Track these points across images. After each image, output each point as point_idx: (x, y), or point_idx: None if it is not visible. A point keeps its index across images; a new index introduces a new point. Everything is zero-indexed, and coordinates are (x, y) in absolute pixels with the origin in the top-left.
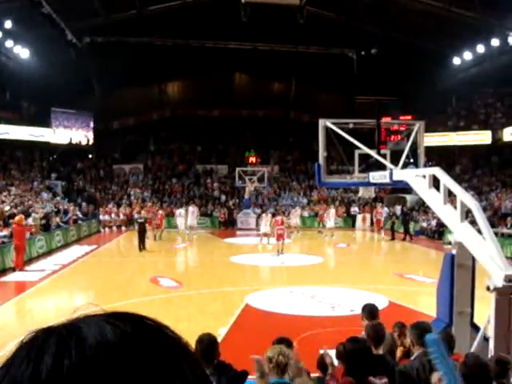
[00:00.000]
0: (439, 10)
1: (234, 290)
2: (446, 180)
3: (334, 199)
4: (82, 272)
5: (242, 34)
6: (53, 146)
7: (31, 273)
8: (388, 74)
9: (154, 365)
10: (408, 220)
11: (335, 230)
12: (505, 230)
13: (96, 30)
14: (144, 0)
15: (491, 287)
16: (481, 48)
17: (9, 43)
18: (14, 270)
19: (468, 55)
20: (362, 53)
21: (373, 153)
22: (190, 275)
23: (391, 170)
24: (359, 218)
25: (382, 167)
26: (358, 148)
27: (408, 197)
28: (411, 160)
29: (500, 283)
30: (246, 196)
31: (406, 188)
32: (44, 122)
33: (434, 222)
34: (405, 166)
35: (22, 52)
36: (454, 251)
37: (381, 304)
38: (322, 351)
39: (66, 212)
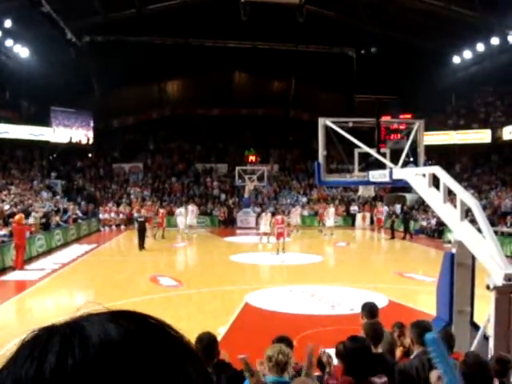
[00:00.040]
0: (439, 9)
1: (234, 288)
2: (445, 179)
3: (334, 198)
4: (81, 271)
5: (242, 32)
6: (52, 145)
7: (31, 272)
8: (388, 72)
9: (157, 363)
10: (408, 219)
11: (335, 229)
12: (505, 229)
13: (96, 29)
14: None
15: (491, 286)
16: (481, 47)
17: (8, 42)
18: (13, 269)
19: (468, 54)
20: (362, 52)
21: (372, 152)
22: (190, 274)
23: (391, 168)
24: (359, 216)
25: (382, 166)
26: (358, 147)
27: (408, 196)
28: (411, 159)
29: (500, 282)
30: (246, 195)
31: (405, 187)
32: (44, 121)
33: (433, 221)
34: (404, 164)
35: (22, 51)
36: (453, 250)
37: (380, 303)
38: (321, 350)
39: (65, 211)
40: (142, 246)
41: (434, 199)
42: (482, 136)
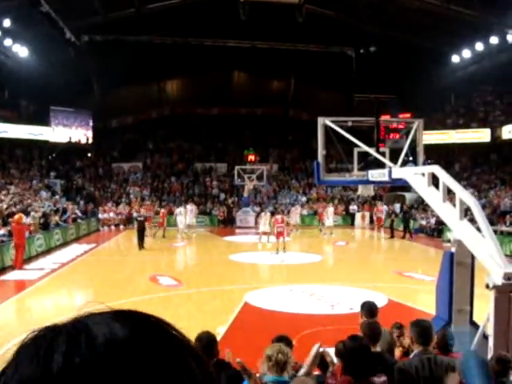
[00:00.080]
0: (438, 8)
1: (234, 288)
2: (445, 178)
3: (333, 197)
4: (81, 271)
5: (241, 32)
6: (52, 145)
7: (30, 271)
8: (387, 72)
9: (163, 362)
10: (408, 218)
11: (334, 228)
12: (504, 228)
13: (95, 29)
14: None
15: (490, 285)
16: (480, 46)
17: (7, 42)
18: (13, 268)
19: (467, 53)
20: (361, 51)
21: (372, 151)
22: (190, 274)
23: (390, 168)
24: (358, 216)
25: (381, 165)
26: (357, 146)
27: (407, 195)
28: (410, 158)
29: (499, 281)
30: (245, 194)
31: (405, 186)
32: (43, 120)
33: (433, 220)
34: (404, 164)
35: (21, 50)
36: (453, 249)
37: (380, 302)
38: (321, 349)
39: (65, 211)
40: (141, 245)
41: (434, 198)
42: (481, 135)
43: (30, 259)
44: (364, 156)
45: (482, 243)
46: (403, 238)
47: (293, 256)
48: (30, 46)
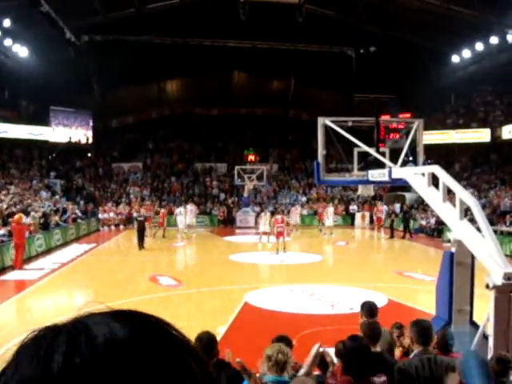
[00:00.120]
0: (438, 8)
1: (234, 288)
2: (445, 178)
3: (333, 197)
4: (81, 271)
5: (241, 32)
6: (52, 145)
7: (30, 271)
8: (387, 72)
9: (163, 363)
10: (408, 218)
11: (334, 228)
12: (504, 228)
13: (95, 29)
14: None
15: (490, 285)
16: (480, 46)
17: (7, 42)
18: (13, 268)
19: (467, 53)
20: (361, 51)
21: (372, 151)
22: (190, 274)
23: (390, 168)
24: (358, 216)
25: (381, 165)
26: (357, 146)
27: (407, 195)
28: (410, 158)
29: (499, 281)
30: (245, 194)
31: (405, 186)
32: (43, 120)
33: (433, 220)
34: (404, 164)
35: (21, 50)
36: (453, 249)
37: (380, 302)
38: (321, 349)
39: (65, 211)
40: (141, 245)
41: (434, 198)
42: (481, 135)
43: (29, 259)
44: (364, 156)
45: (481, 243)
46: (403, 237)
47: (293, 256)
48: (29, 45)
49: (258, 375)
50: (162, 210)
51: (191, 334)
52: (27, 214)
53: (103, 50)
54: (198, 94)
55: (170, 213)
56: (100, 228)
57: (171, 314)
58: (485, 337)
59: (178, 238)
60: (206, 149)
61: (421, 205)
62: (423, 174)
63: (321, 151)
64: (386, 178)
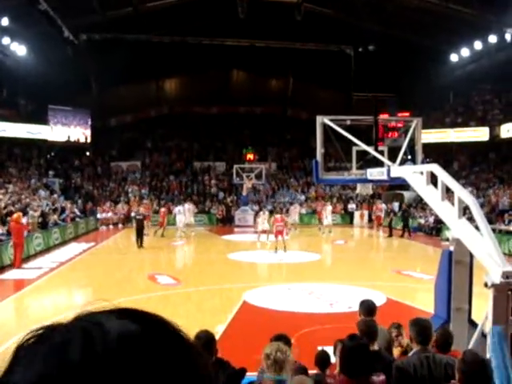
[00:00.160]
0: (437, 7)
1: (232, 287)
2: (443, 176)
3: (332, 196)
4: (79, 269)
5: (240, 30)
6: (50, 144)
7: (29, 270)
8: (386, 70)
9: (173, 358)
10: (407, 217)
11: (333, 227)
12: (502, 227)
13: (93, 27)
14: None
15: (489, 284)
16: (478, 44)
17: (6, 40)
18: (11, 267)
19: (465, 52)
20: (360, 49)
21: (370, 149)
22: (188, 272)
23: (389, 166)
24: (357, 214)
25: (380, 164)
26: (356, 145)
27: (406, 193)
28: (409, 157)
29: (498, 280)
30: (244, 193)
31: (403, 185)
32: (41, 119)
33: (431, 219)
34: (402, 162)
35: (19, 49)
36: (451, 248)
37: (379, 301)
38: (320, 348)
39: (63, 209)
40: (140, 244)
41: (432, 197)
42: (480, 134)
43: (28, 258)
44: (363, 155)
45: (480, 242)
46: (402, 236)
47: (291, 255)
48: (28, 44)
49: (257, 373)
50: (162, 209)
51: (190, 333)
52: (26, 212)
53: (102, 48)
54: (196, 92)
55: (169, 212)
56: (98, 227)
57: (170, 312)
58: (483, 335)
59: (177, 237)
60: (205, 147)
61: (419, 203)
62: (422, 173)
63: (319, 150)
64: (385, 177)
